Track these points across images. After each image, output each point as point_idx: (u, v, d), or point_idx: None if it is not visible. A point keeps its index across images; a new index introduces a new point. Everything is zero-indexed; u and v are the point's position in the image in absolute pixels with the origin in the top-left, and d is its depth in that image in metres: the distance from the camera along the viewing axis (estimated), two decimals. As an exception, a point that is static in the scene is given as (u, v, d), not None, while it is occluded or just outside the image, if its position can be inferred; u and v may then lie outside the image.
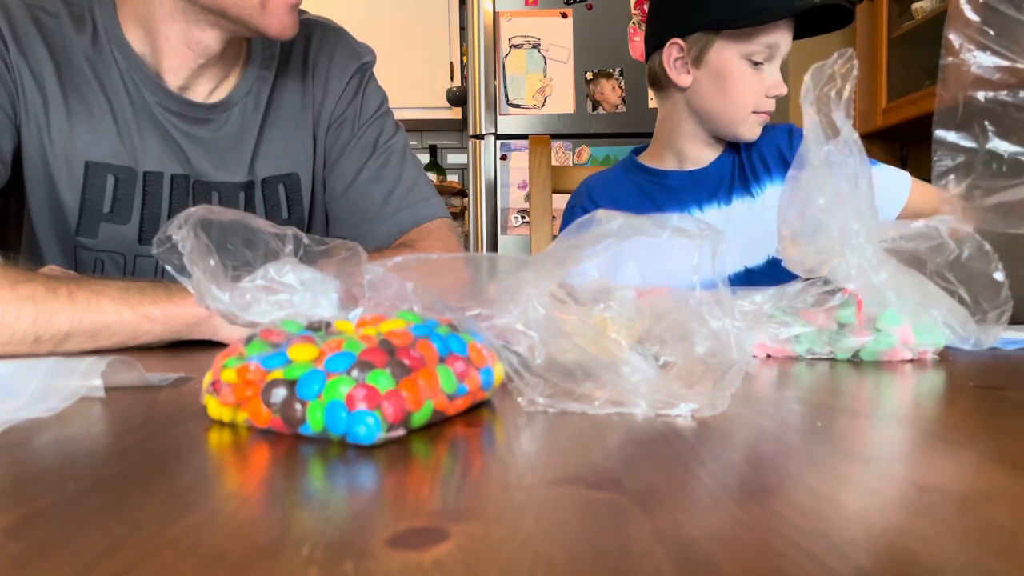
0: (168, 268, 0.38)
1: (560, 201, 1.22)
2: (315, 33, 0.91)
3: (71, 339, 0.56)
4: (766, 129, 1.04)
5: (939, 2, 2.15)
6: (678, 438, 0.29)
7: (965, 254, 0.50)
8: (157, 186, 0.81)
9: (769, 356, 0.54)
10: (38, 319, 0.55)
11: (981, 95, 0.51)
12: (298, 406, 0.29)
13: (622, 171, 1.12)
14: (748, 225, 1.02)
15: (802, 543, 0.18)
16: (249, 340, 0.33)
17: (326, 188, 0.92)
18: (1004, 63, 0.50)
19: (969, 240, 0.50)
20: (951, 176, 0.52)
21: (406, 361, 0.30)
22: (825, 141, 0.48)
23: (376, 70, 0.96)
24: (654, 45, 1.04)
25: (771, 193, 1.03)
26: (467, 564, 0.17)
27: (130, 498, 0.22)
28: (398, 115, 0.98)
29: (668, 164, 1.08)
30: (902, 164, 2.52)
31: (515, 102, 2.11)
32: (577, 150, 2.12)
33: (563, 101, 2.11)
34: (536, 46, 2.11)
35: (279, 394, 0.29)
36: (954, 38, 0.51)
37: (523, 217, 2.12)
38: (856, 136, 0.48)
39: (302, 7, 0.80)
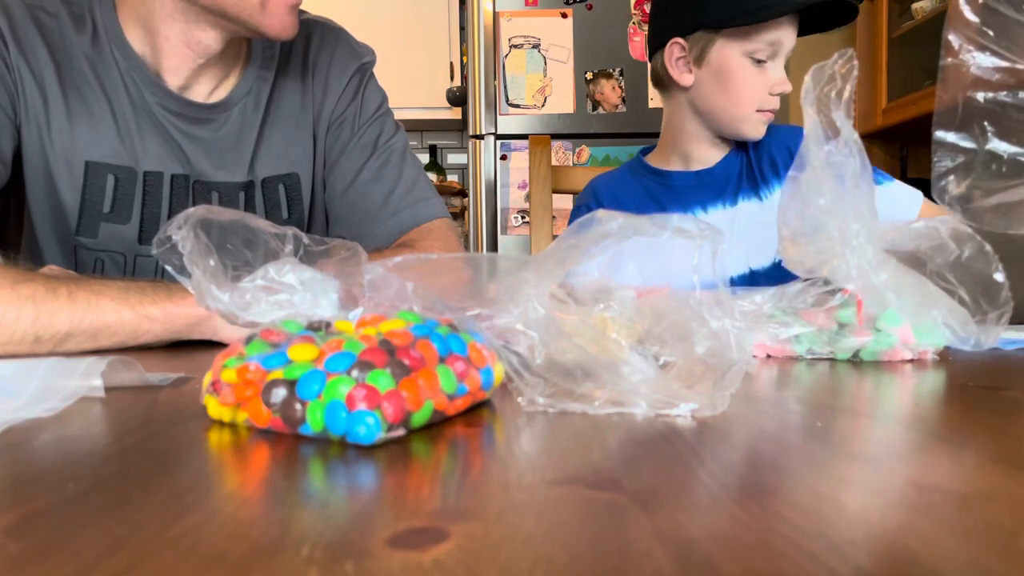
0: (168, 268, 0.38)
1: (560, 201, 1.22)
2: (315, 33, 0.91)
3: (71, 339, 0.56)
4: (777, 130, 1.04)
5: (939, 2, 2.15)
6: (678, 438, 0.29)
7: (965, 255, 0.50)
8: (157, 186, 0.81)
9: (769, 356, 0.54)
10: (38, 319, 0.55)
11: (981, 96, 0.51)
12: (298, 406, 0.29)
13: (628, 171, 1.12)
14: (754, 227, 1.01)
15: (802, 543, 0.18)
16: (249, 340, 0.33)
17: (326, 188, 0.92)
18: (1004, 64, 0.50)
19: (969, 241, 0.50)
20: (951, 177, 0.52)
21: (406, 361, 0.30)
22: (825, 141, 0.48)
23: (376, 70, 0.96)
24: (656, 45, 1.03)
25: (780, 196, 1.02)
26: (467, 564, 0.17)
27: (130, 498, 0.22)
28: (398, 115, 0.98)
29: (674, 165, 1.08)
30: (902, 164, 2.52)
31: (515, 102, 2.11)
32: (577, 150, 2.12)
33: (563, 101, 2.11)
34: (536, 46, 2.11)
35: (279, 394, 0.29)
36: (953, 39, 0.51)
37: (523, 217, 2.12)
38: (856, 136, 0.48)
39: (302, 7, 0.80)
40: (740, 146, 1.06)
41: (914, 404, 0.40)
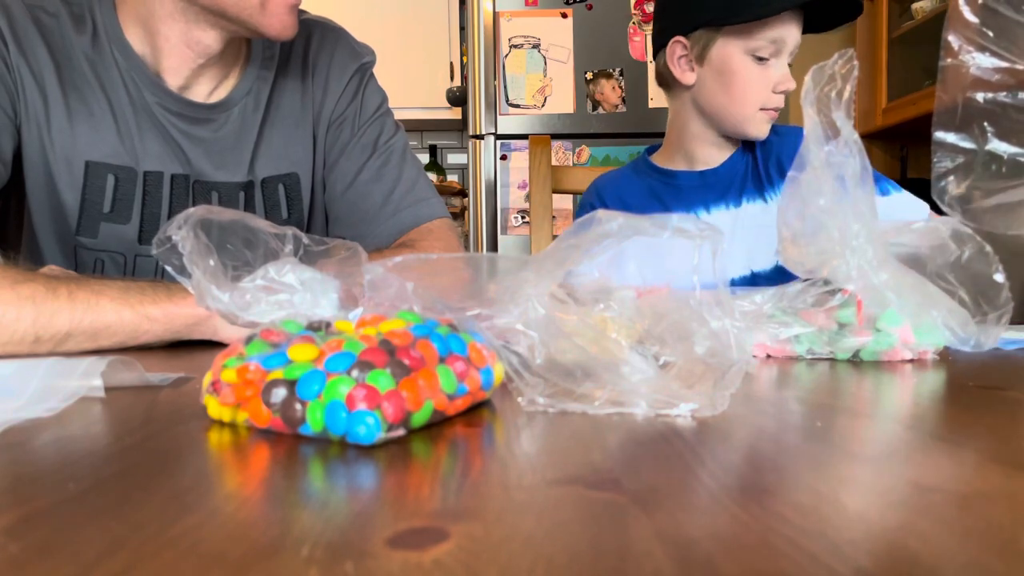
0: (168, 268, 0.38)
1: (560, 201, 1.23)
2: (315, 33, 0.91)
3: (71, 339, 0.56)
4: (785, 131, 1.03)
5: (939, 2, 2.15)
6: (678, 438, 0.29)
7: (966, 255, 0.50)
8: (157, 186, 0.81)
9: (769, 356, 0.54)
10: (38, 319, 0.55)
11: (980, 96, 0.51)
12: (298, 406, 0.29)
13: (633, 170, 1.12)
14: (757, 229, 1.00)
15: (802, 543, 0.18)
16: (249, 340, 0.33)
17: (326, 188, 0.92)
18: (1003, 64, 0.50)
19: (970, 241, 0.50)
20: (951, 177, 0.52)
21: (406, 361, 0.30)
22: (825, 142, 0.48)
23: (376, 70, 0.96)
24: (659, 44, 1.03)
25: (780, 196, 1.02)
26: (467, 564, 0.17)
27: (130, 498, 0.22)
28: (398, 115, 0.98)
29: (678, 164, 1.07)
30: (902, 164, 2.52)
31: (515, 102, 2.11)
32: (577, 150, 2.12)
33: (563, 101, 2.11)
34: (536, 46, 2.11)
35: (279, 394, 0.29)
36: (953, 40, 0.51)
37: (523, 217, 2.12)
38: (856, 136, 0.48)
39: (302, 7, 0.80)
40: (746, 147, 1.05)
41: (914, 404, 0.40)
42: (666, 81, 1.04)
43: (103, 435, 0.31)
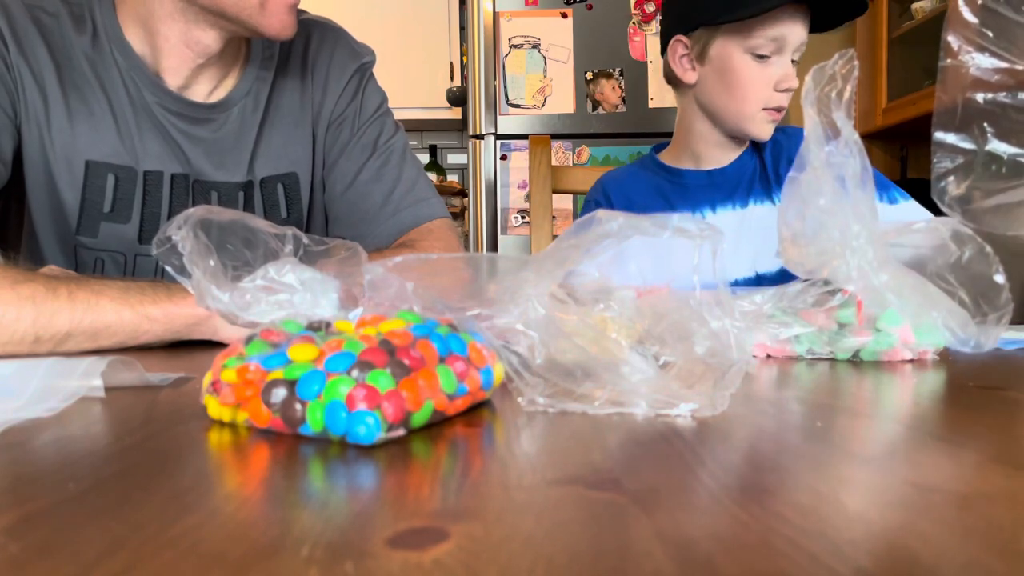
0: (168, 269, 0.38)
1: (560, 201, 1.22)
2: (315, 33, 0.91)
3: (71, 339, 0.56)
4: (794, 132, 1.02)
5: (939, 2, 2.15)
6: (678, 438, 0.29)
7: (966, 256, 0.50)
8: (157, 185, 0.81)
9: (769, 356, 0.54)
10: (38, 319, 0.55)
11: (980, 97, 0.51)
12: (298, 406, 0.29)
13: (639, 168, 1.11)
14: (763, 230, 0.99)
15: (802, 543, 0.18)
16: (249, 340, 0.33)
17: (325, 188, 0.92)
18: (1003, 64, 0.50)
19: (970, 242, 0.50)
20: (950, 178, 0.52)
21: (406, 361, 0.30)
22: (826, 142, 0.48)
23: (376, 70, 0.96)
24: (664, 43, 1.03)
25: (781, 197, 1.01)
26: (467, 564, 0.17)
27: (130, 498, 0.22)
28: (398, 115, 0.98)
29: (685, 163, 1.07)
30: (902, 164, 2.51)
31: (515, 102, 2.11)
32: (577, 150, 2.12)
33: (563, 101, 2.11)
34: (536, 46, 2.11)
35: (279, 394, 0.29)
36: (953, 40, 0.51)
37: (523, 217, 2.12)
38: (857, 137, 0.48)
39: (302, 7, 0.80)
40: (755, 147, 1.04)
41: (914, 404, 0.40)
42: (672, 80, 1.04)
43: (103, 435, 0.31)
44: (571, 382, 0.33)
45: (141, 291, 0.59)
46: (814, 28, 0.97)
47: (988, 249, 0.49)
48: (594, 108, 2.11)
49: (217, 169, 0.84)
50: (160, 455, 0.27)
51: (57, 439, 0.29)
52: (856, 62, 0.48)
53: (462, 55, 2.97)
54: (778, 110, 0.97)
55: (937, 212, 0.53)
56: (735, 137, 1.02)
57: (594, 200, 1.11)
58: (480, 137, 2.12)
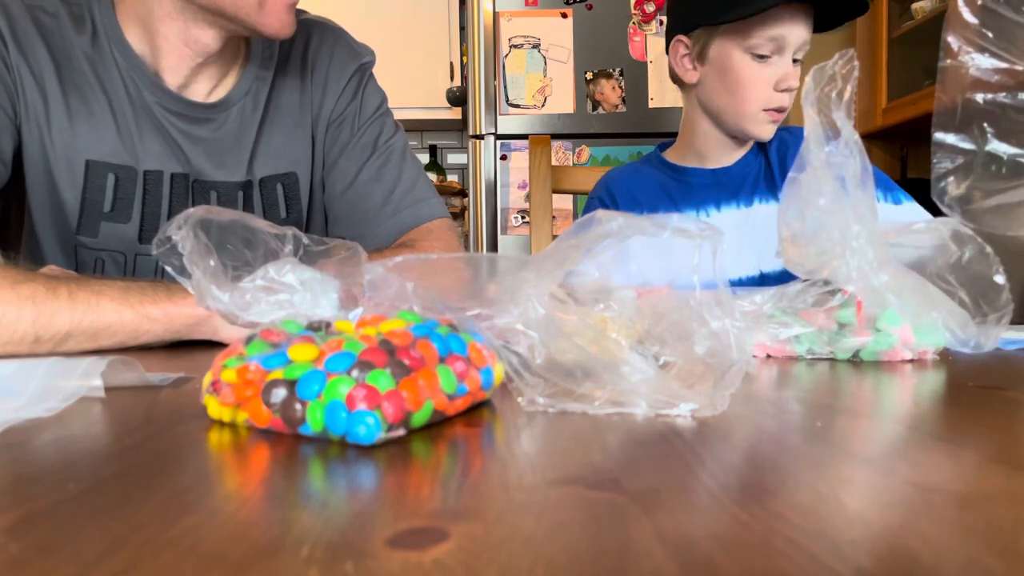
0: (168, 269, 0.38)
1: (560, 201, 1.22)
2: (314, 33, 0.91)
3: (71, 339, 0.56)
4: (799, 132, 1.02)
5: (939, 2, 2.15)
6: (678, 438, 0.29)
7: (966, 256, 0.50)
8: (157, 185, 0.81)
9: (769, 356, 0.54)
10: (38, 319, 0.55)
11: (980, 97, 0.51)
12: (298, 406, 0.29)
13: (644, 165, 1.11)
14: (768, 230, 0.99)
15: (802, 543, 0.18)
16: (249, 340, 0.33)
17: (325, 188, 0.92)
18: (1003, 65, 0.50)
19: (970, 242, 0.50)
20: (950, 178, 0.52)
21: (406, 361, 0.30)
22: (826, 142, 0.48)
23: (376, 70, 0.96)
24: (667, 43, 1.04)
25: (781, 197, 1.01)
26: (467, 564, 0.17)
27: (130, 498, 0.22)
28: (398, 115, 0.98)
29: (690, 162, 1.07)
30: (902, 164, 2.51)
31: (515, 102, 2.11)
32: (577, 150, 2.12)
33: (563, 101, 2.11)
34: (536, 46, 2.11)
35: (279, 394, 0.29)
36: (952, 40, 0.51)
37: (523, 217, 2.12)
38: (857, 137, 0.48)
39: (302, 7, 0.80)
40: (760, 147, 1.04)
41: (914, 404, 0.40)
42: (677, 80, 1.05)
43: (103, 435, 0.31)
44: (571, 382, 0.33)
45: (141, 291, 0.59)
46: (814, 28, 0.97)
47: (988, 249, 0.49)
48: (594, 108, 2.11)
49: (216, 169, 0.84)
50: (160, 455, 0.27)
51: (57, 439, 0.29)
52: (856, 62, 0.48)
53: (462, 55, 2.97)
54: (779, 110, 0.96)
55: (937, 212, 0.53)
56: (737, 137, 1.02)
57: (598, 198, 1.10)
58: (480, 137, 2.12)
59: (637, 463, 0.26)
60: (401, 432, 0.28)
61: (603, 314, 0.40)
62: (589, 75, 2.11)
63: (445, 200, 0.95)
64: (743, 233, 1.00)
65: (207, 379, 0.32)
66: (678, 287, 0.37)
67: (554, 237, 0.90)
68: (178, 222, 0.37)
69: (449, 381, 0.31)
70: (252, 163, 0.86)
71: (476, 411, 0.34)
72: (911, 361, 0.52)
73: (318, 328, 0.35)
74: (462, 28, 2.94)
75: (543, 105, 2.11)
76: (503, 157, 2.12)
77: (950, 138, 0.52)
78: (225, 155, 0.84)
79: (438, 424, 0.31)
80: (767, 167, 1.04)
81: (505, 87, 2.11)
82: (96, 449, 0.28)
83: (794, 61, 0.96)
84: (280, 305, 0.38)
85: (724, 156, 1.04)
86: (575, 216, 2.08)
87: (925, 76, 2.22)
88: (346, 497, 0.23)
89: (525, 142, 2.03)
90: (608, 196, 1.08)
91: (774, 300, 0.54)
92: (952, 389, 0.44)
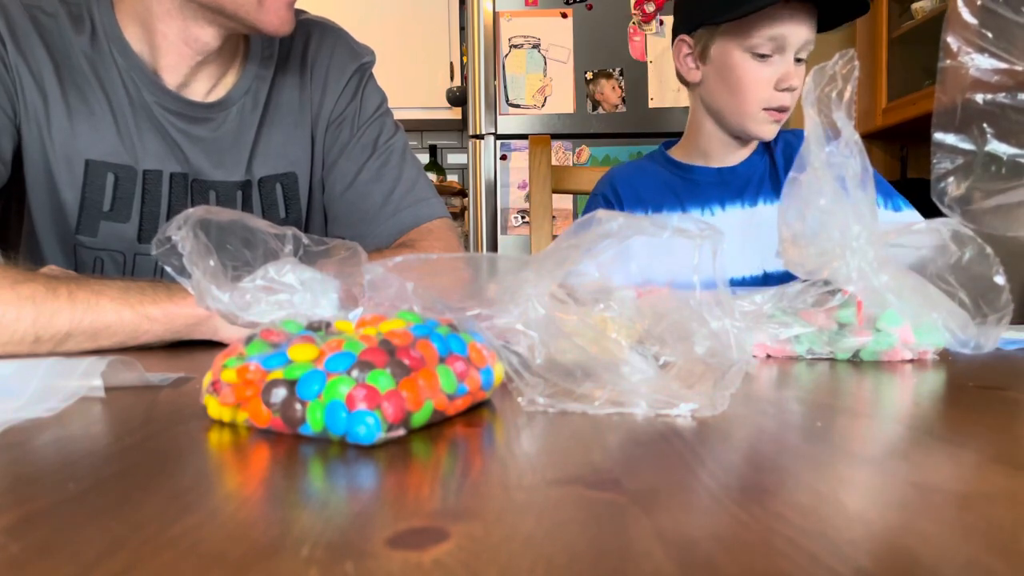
0: (168, 269, 0.38)
1: (560, 201, 1.22)
2: (314, 33, 0.91)
3: (71, 339, 0.56)
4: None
5: (939, 2, 2.15)
6: (678, 438, 0.29)
7: (966, 257, 0.49)
8: (156, 185, 0.81)
9: (769, 356, 0.54)
10: (38, 319, 0.55)
11: (980, 97, 0.51)
12: (298, 406, 0.29)
13: (649, 163, 1.12)
14: (772, 229, 0.99)
15: (802, 543, 0.18)
16: (249, 340, 0.33)
17: (325, 188, 0.92)
18: (1002, 65, 0.50)
19: (970, 243, 0.50)
20: (950, 178, 0.52)
21: (406, 361, 0.30)
22: (826, 142, 0.48)
23: (376, 70, 0.96)
24: (672, 42, 1.04)
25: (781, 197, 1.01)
26: (467, 564, 0.17)
27: (130, 498, 0.22)
28: (398, 115, 0.98)
29: (695, 160, 1.07)
30: (902, 164, 2.51)
31: (515, 102, 2.11)
32: (577, 150, 2.12)
33: (563, 101, 2.11)
34: (536, 46, 2.11)
35: (279, 394, 0.29)
36: (952, 41, 0.51)
37: (523, 217, 2.12)
38: (857, 137, 0.48)
39: (302, 7, 0.80)
40: (766, 148, 1.05)
41: (914, 404, 0.40)
42: (682, 79, 1.05)
43: (103, 435, 0.31)
44: (571, 382, 0.33)
45: (141, 291, 0.59)
46: (824, 27, 0.96)
47: (988, 250, 0.49)
48: (594, 108, 2.11)
49: (216, 168, 0.84)
50: (160, 455, 0.27)
51: (57, 439, 0.29)
52: (856, 62, 0.48)
53: (462, 55, 2.97)
54: (780, 110, 0.97)
55: (937, 213, 0.53)
56: (740, 137, 1.02)
57: (601, 194, 1.10)
58: (480, 137, 2.12)
59: (637, 463, 0.26)
60: (401, 432, 0.28)
61: (603, 314, 0.40)
62: (589, 75, 2.11)
63: (445, 200, 0.95)
64: (747, 233, 1.00)
65: (207, 379, 0.32)
66: (678, 287, 0.37)
67: (554, 237, 0.90)
68: (178, 222, 0.37)
69: (449, 381, 0.31)
70: (251, 163, 0.86)
71: (476, 411, 0.34)
72: (911, 361, 0.52)
73: (318, 328, 0.35)
74: (462, 28, 2.94)
75: (543, 105, 2.11)
76: (503, 157, 2.12)
77: (950, 138, 0.52)
78: (224, 155, 0.84)
79: (438, 424, 0.31)
80: (772, 168, 1.04)
81: (505, 87, 2.11)
82: (96, 449, 0.28)
83: (797, 61, 0.96)
84: (280, 305, 0.38)
85: (728, 156, 1.05)
86: (575, 216, 2.08)
87: (925, 76, 2.22)
88: (346, 497, 0.23)
89: (525, 142, 2.03)
90: (612, 193, 1.08)
91: (774, 300, 0.54)
92: (952, 389, 0.44)
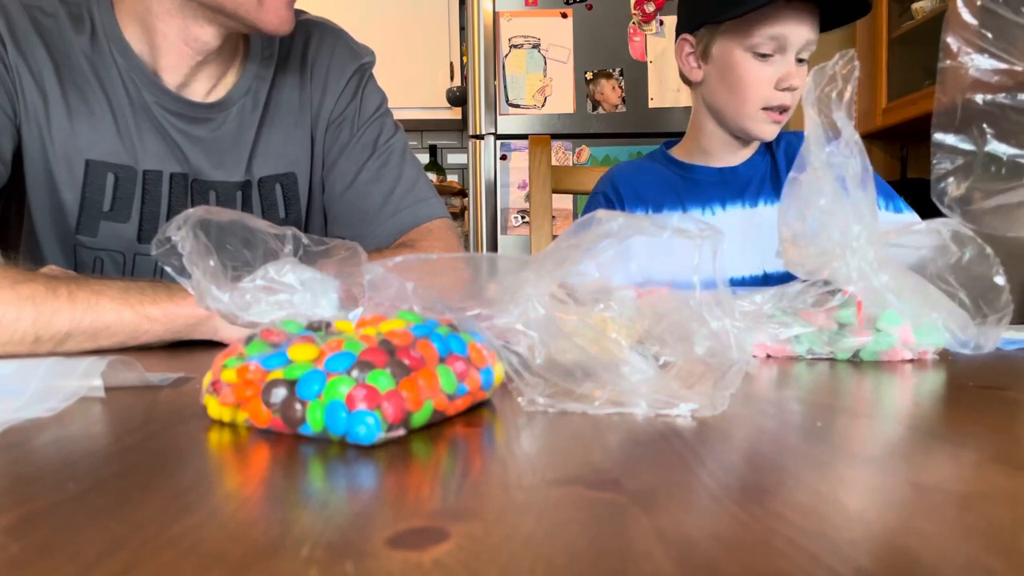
0: (167, 269, 0.38)
1: (560, 201, 1.22)
2: (314, 33, 0.91)
3: (71, 339, 0.56)
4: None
5: (939, 2, 2.16)
6: (678, 438, 0.29)
7: (966, 257, 0.49)
8: (156, 185, 0.81)
9: (769, 356, 0.54)
10: (38, 319, 0.55)
11: (979, 98, 0.51)
12: (298, 406, 0.29)
13: (650, 161, 1.12)
14: (772, 231, 0.99)
15: (802, 543, 0.18)
16: (249, 340, 0.33)
17: (325, 188, 0.92)
18: (1002, 66, 0.50)
19: (970, 243, 0.50)
20: (950, 179, 0.52)
21: (406, 361, 0.30)
22: (826, 143, 0.48)
23: (376, 70, 0.96)
24: (676, 41, 1.04)
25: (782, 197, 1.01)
26: (467, 564, 0.17)
27: (130, 498, 0.22)
28: (398, 115, 0.98)
29: (697, 160, 1.07)
30: (902, 164, 2.51)
31: (515, 102, 2.11)
32: (577, 150, 2.12)
33: (563, 101, 2.11)
34: (536, 46, 2.11)
35: (279, 394, 0.29)
36: (952, 41, 0.51)
37: (523, 217, 2.12)
38: (857, 138, 0.48)
39: (303, 7, 0.80)
40: (768, 149, 1.05)
41: (914, 404, 0.40)
42: (684, 78, 1.05)
43: (103, 435, 0.31)
44: (571, 382, 0.33)
45: (141, 291, 0.59)
46: (827, 27, 0.96)
47: (988, 250, 0.49)
48: (594, 108, 2.11)
49: (215, 168, 0.84)
50: (160, 455, 0.27)
51: (57, 439, 0.29)
52: (857, 62, 0.48)
53: (462, 55, 2.97)
54: (780, 110, 0.97)
55: (937, 213, 0.53)
56: (740, 137, 1.02)
57: (602, 193, 1.10)
58: (480, 137, 2.12)
59: (637, 463, 0.26)
60: (401, 432, 0.28)
61: (603, 314, 0.40)
62: (589, 75, 2.11)
63: (445, 200, 0.95)
64: (747, 233, 1.00)
65: (207, 379, 0.32)
66: (678, 287, 0.37)
67: (554, 237, 0.90)
68: (177, 222, 0.37)
69: (449, 381, 0.31)
70: (251, 163, 0.86)
71: (476, 411, 0.34)
72: (911, 361, 0.52)
73: (318, 328, 0.35)
74: (462, 28, 2.94)
75: (543, 105, 2.11)
76: (503, 157, 2.12)
77: (950, 139, 0.52)
78: (224, 155, 0.84)
79: (438, 424, 0.31)
80: (773, 169, 1.04)
81: (505, 87, 2.11)
82: (96, 449, 0.28)
83: (799, 61, 0.96)
84: (280, 305, 0.38)
85: (730, 156, 1.05)
86: (575, 216, 2.08)
87: (925, 76, 2.22)
88: (346, 497, 0.23)
89: (525, 142, 2.03)
90: (613, 191, 1.08)
91: (774, 300, 0.54)
92: (952, 389, 0.44)
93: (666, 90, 2.10)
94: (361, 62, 0.93)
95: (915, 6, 2.24)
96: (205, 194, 0.83)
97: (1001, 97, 0.50)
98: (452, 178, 3.15)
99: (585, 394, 0.33)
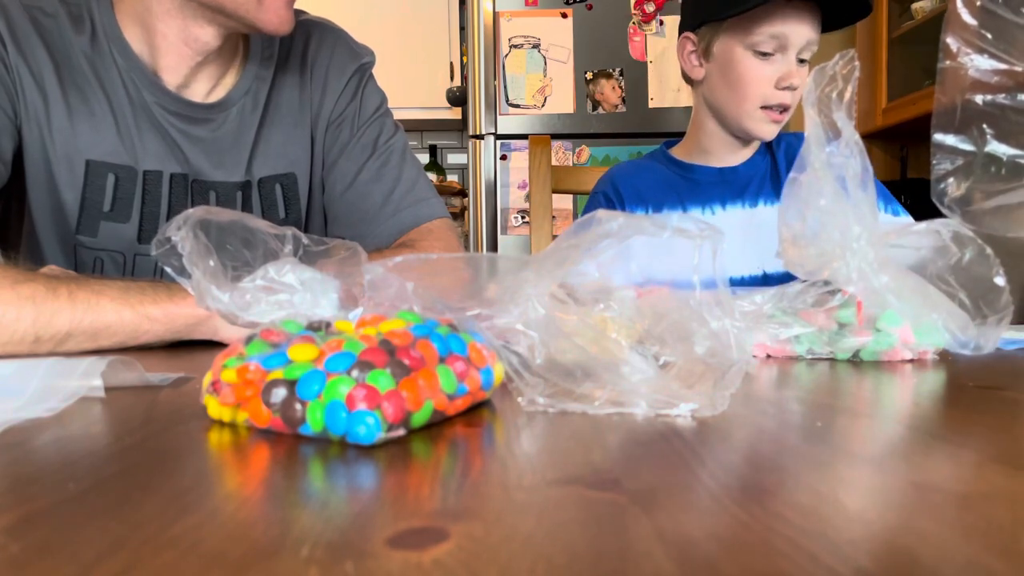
0: (167, 269, 0.38)
1: (560, 201, 1.22)
2: (314, 33, 0.91)
3: (71, 339, 0.56)
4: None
5: (939, 2, 2.16)
6: (678, 438, 0.29)
7: (966, 258, 0.49)
8: (156, 185, 0.81)
9: (769, 356, 0.54)
10: (38, 319, 0.55)
11: (979, 98, 0.51)
12: (298, 406, 0.29)
13: (650, 161, 1.12)
14: (771, 231, 0.99)
15: (802, 543, 0.18)
16: (249, 340, 0.33)
17: (325, 188, 0.92)
18: (1002, 66, 0.50)
19: (970, 244, 0.50)
20: (950, 179, 0.52)
21: (406, 361, 0.30)
22: (827, 143, 0.48)
23: (376, 70, 0.96)
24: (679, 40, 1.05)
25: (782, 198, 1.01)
26: (467, 564, 0.17)
27: (130, 498, 0.22)
28: (398, 115, 0.98)
29: (697, 159, 1.07)
30: (902, 164, 2.51)
31: (515, 102, 2.11)
32: (577, 150, 2.12)
33: (563, 101, 2.12)
34: (536, 46, 2.11)
35: (279, 394, 0.29)
36: (952, 42, 0.51)
37: (523, 217, 2.12)
38: (858, 138, 0.48)
39: (303, 7, 0.80)
40: (768, 149, 1.05)
41: (914, 404, 0.40)
42: (686, 77, 1.05)
43: (103, 435, 0.31)
44: (571, 382, 0.33)
45: (141, 291, 0.59)
46: (828, 27, 0.96)
47: (988, 251, 0.49)
48: (594, 108, 2.11)
49: (216, 169, 0.84)
50: (160, 455, 0.27)
51: (57, 439, 0.29)
52: (857, 63, 0.48)
53: (462, 55, 2.97)
54: (780, 110, 0.97)
55: (937, 213, 0.53)
56: (740, 136, 1.03)
57: (602, 192, 1.10)
58: (480, 137, 2.12)
59: (637, 463, 0.26)
60: (401, 432, 0.28)
61: (603, 314, 0.40)
62: (589, 75, 2.11)
63: (445, 200, 0.95)
64: (747, 233, 1.00)
65: (207, 379, 0.32)
66: (678, 287, 0.37)
67: (554, 237, 0.90)
68: (177, 223, 0.37)
69: (449, 381, 0.31)
70: (251, 163, 0.86)
71: (476, 411, 0.34)
72: (911, 361, 0.52)
73: (318, 328, 0.35)
74: (462, 28, 2.94)
75: (543, 105, 2.12)
76: (503, 157, 2.12)
77: (950, 139, 0.52)
78: (224, 155, 0.84)
79: (438, 424, 0.31)
80: (774, 169, 1.04)
81: (505, 87, 2.11)
82: (96, 449, 0.28)
83: (801, 61, 0.96)
84: (280, 305, 0.38)
85: (730, 155, 1.05)
86: (575, 216, 2.09)
87: (925, 76, 2.22)
88: (346, 497, 0.23)
89: (525, 142, 2.03)
90: (613, 191, 1.08)
91: (774, 300, 0.54)
92: (952, 389, 0.44)
93: (666, 90, 2.10)
94: (361, 62, 0.93)
95: (915, 6, 2.24)
96: (205, 194, 0.83)
97: (1001, 97, 0.50)
98: (452, 178, 3.15)
99: (585, 394, 0.33)
